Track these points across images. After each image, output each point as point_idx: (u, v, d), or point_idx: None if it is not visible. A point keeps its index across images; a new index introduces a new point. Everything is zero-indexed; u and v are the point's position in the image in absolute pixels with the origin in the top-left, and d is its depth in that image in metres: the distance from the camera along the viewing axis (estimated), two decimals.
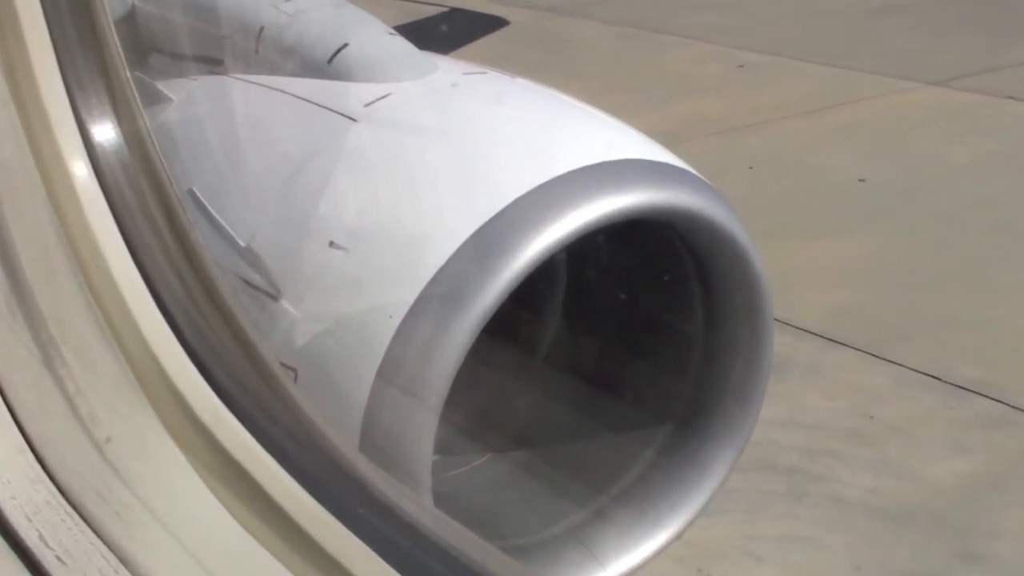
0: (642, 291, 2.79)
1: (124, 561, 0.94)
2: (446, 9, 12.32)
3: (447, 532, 1.03)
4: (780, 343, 5.50)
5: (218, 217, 2.38)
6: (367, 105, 2.42)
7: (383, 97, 2.44)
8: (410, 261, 2.18)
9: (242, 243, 2.34)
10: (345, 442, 1.09)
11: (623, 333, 2.87)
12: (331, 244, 2.24)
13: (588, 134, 2.46)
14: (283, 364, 2.15)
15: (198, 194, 2.42)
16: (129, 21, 2.80)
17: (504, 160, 2.34)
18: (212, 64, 2.81)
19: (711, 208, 2.36)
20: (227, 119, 2.67)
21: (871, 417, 5.13)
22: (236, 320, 1.08)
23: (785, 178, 8.04)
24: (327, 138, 2.42)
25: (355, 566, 0.95)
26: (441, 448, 2.67)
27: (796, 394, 5.31)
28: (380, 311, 2.15)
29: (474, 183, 2.28)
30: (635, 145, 2.44)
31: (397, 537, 0.99)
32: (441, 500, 2.27)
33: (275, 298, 2.28)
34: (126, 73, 1.21)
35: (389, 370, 2.11)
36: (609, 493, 2.71)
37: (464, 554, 0.99)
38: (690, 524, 2.68)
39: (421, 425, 2.11)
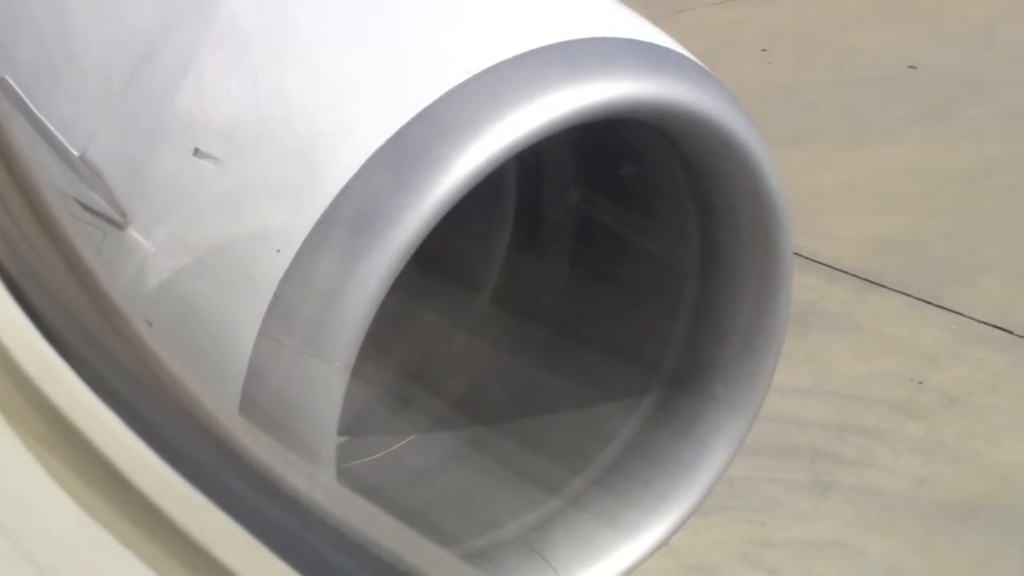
0: (620, 213, 2.84)
1: None
2: None
3: (352, 513, 1.06)
4: (803, 285, 5.60)
5: (41, 116, 2.37)
6: None
7: None
8: (305, 176, 2.19)
9: (74, 152, 2.34)
10: (218, 403, 1.10)
11: (595, 267, 2.93)
12: (196, 153, 2.25)
13: (546, 4, 2.47)
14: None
15: (13, 84, 2.40)
16: None
17: (432, 39, 2.35)
18: None
19: (711, 104, 2.39)
20: None
21: (921, 383, 5.21)
22: (69, 245, 1.09)
23: (811, 65, 8.08)
24: (189, 7, 2.41)
25: (227, 552, 0.98)
26: (351, 425, 2.71)
27: (823, 353, 5.39)
28: (265, 242, 2.16)
29: (391, 70, 2.29)
30: (611, 19, 2.45)
31: (283, 518, 1.01)
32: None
33: (120, 226, 2.28)
34: None
35: (279, 317, 2.13)
36: (574, 485, 2.76)
37: (374, 541, 1.01)
38: (681, 525, 2.75)
39: (323, 385, 2.15)
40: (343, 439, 2.70)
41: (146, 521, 0.99)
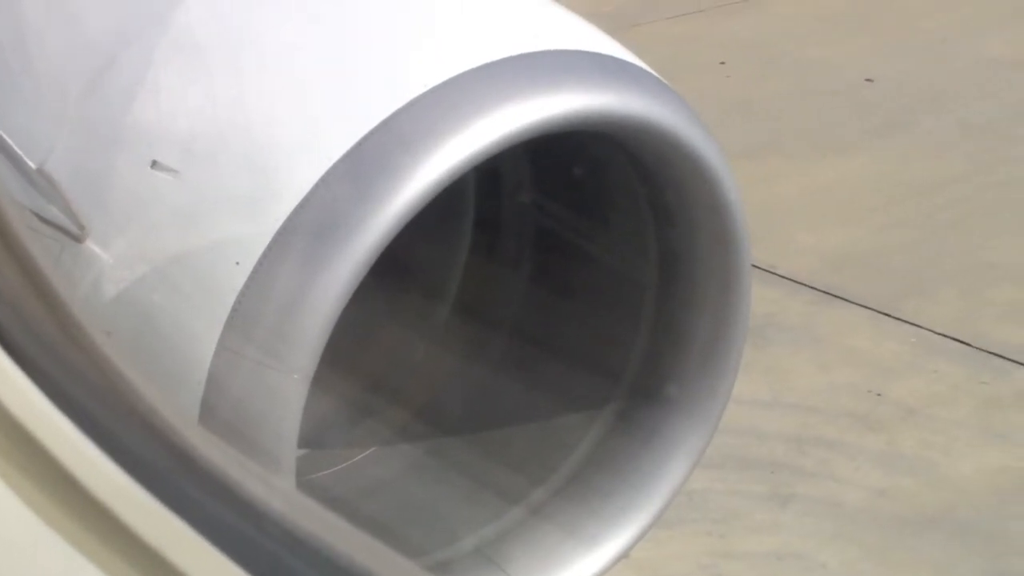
0: (579, 223, 2.87)
1: None
2: None
3: (311, 521, 1.07)
4: (762, 298, 5.62)
5: None
6: None
7: None
8: (263, 187, 2.20)
9: (32, 164, 2.34)
10: (176, 412, 1.11)
11: (555, 277, 2.95)
12: (154, 164, 2.26)
13: (505, 17, 2.49)
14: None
15: None
16: None
17: (392, 50, 2.36)
18: None
19: (668, 116, 2.41)
20: None
21: (879, 395, 5.24)
22: (27, 257, 1.09)
23: (769, 77, 8.13)
24: (148, 17, 2.42)
25: (183, 559, 0.98)
26: (311, 437, 2.71)
27: (782, 365, 5.41)
28: (224, 254, 2.18)
29: (352, 81, 2.31)
30: (569, 32, 2.47)
31: (241, 525, 1.03)
32: None
33: (78, 239, 2.29)
34: None
35: (238, 328, 2.15)
36: (534, 497, 2.78)
37: (333, 548, 1.03)
38: (641, 537, 2.77)
39: (282, 397, 2.16)
40: (303, 451, 2.71)
41: (102, 528, 1.00)
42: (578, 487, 2.79)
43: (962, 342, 5.56)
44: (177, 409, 1.23)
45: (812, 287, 5.97)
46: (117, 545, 1.00)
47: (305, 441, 2.64)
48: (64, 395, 1.03)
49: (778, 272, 6.00)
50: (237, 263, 2.15)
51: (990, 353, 5.49)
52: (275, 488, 1.14)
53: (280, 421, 2.17)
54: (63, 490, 1.00)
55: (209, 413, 2.16)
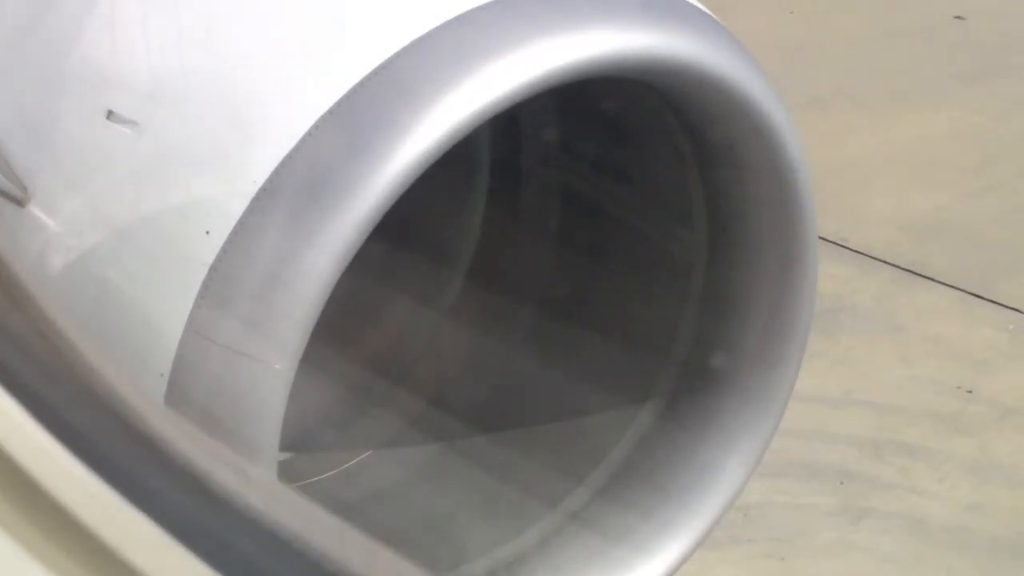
0: (613, 183, 2.87)
1: None
2: None
3: (294, 515, 1.08)
4: (831, 276, 5.60)
5: None
6: None
7: None
8: (239, 142, 2.20)
9: None
10: (139, 394, 1.13)
11: (587, 243, 2.94)
12: (110, 116, 2.26)
13: None
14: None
15: None
16: None
17: None
18: None
19: (721, 62, 2.40)
20: None
21: (969, 392, 5.23)
22: None
23: (840, 16, 8.10)
24: None
25: (145, 559, 0.99)
26: (296, 437, 2.71)
27: (855, 355, 5.40)
28: (192, 222, 2.18)
29: (345, 17, 2.30)
30: None
31: (215, 522, 1.04)
32: None
33: (20, 202, 2.29)
34: None
35: (210, 309, 2.15)
36: (556, 512, 2.80)
37: (316, 546, 1.03)
38: (684, 561, 2.76)
39: (262, 390, 2.16)
40: (286, 455, 2.71)
41: (51, 523, 1.00)
42: (609, 503, 2.80)
43: None
44: (140, 392, 1.23)
45: (891, 263, 5.95)
46: (68, 543, 1.00)
47: (289, 443, 2.64)
48: (10, 376, 1.04)
49: (850, 246, 5.98)
50: (208, 232, 2.14)
51: None
52: (254, 481, 1.16)
53: (259, 419, 2.17)
54: (3, 478, 1.01)
55: (178, 393, 2.17)
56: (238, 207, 2.14)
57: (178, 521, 1.01)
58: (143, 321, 2.21)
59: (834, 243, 5.92)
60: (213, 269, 2.14)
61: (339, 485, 2.90)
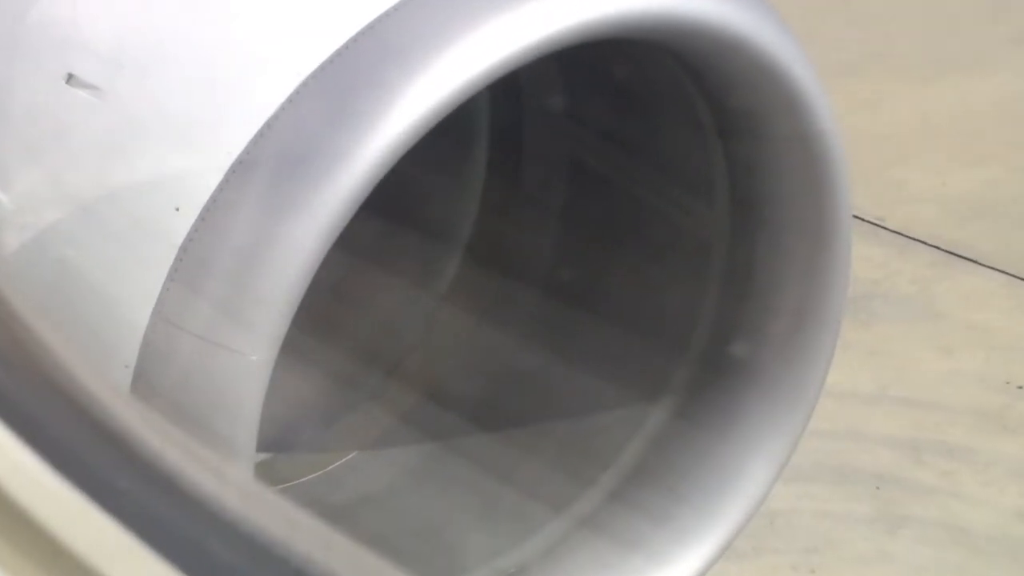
0: (624, 151, 2.86)
1: None
2: None
3: (273, 519, 1.08)
4: (867, 258, 5.59)
5: None
6: None
7: None
8: (213, 108, 2.20)
9: None
10: (103, 384, 1.13)
11: (596, 220, 2.95)
12: (71, 80, 2.25)
13: None
14: None
15: None
16: None
17: None
18: None
19: (744, 22, 2.39)
20: None
21: (1019, 388, 5.23)
22: None
23: None
24: None
25: (112, 565, 1.00)
26: (275, 436, 2.71)
27: (892, 346, 5.39)
28: (160, 197, 2.17)
29: None
30: None
31: (185, 524, 1.04)
32: None
33: None
34: None
35: (180, 294, 2.14)
36: (562, 518, 2.80)
37: (298, 552, 1.04)
38: (702, 573, 2.76)
39: (237, 383, 2.16)
40: (264, 456, 2.71)
41: (10, 527, 1.01)
42: (622, 507, 2.80)
43: None
44: (105, 384, 1.24)
45: (931, 245, 5.94)
46: (28, 547, 1.01)
47: (267, 442, 2.64)
48: None
49: (887, 225, 5.98)
50: (178, 208, 2.14)
51: None
52: (230, 481, 1.16)
53: (236, 404, 2.17)
54: None
55: (143, 395, 2.16)
56: (211, 181, 2.13)
57: (147, 524, 1.02)
58: (106, 307, 2.21)
59: (869, 222, 5.90)
60: (183, 250, 2.14)
61: (323, 488, 2.91)
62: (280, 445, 2.89)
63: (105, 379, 2.06)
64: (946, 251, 5.91)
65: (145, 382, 2.17)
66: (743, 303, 2.74)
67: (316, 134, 2.13)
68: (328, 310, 2.33)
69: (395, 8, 2.18)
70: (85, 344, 2.20)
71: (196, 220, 2.13)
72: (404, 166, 2.17)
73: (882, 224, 5.97)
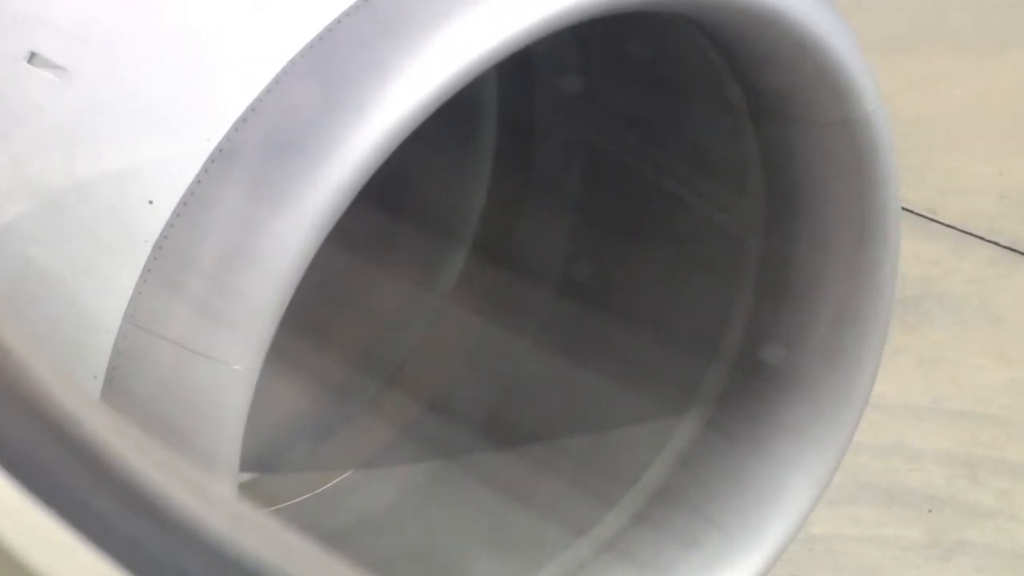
0: (648, 141, 2.86)
1: None
2: None
3: (261, 543, 1.09)
4: (917, 255, 5.60)
5: None
6: None
7: None
8: (190, 90, 2.20)
9: None
10: (74, 395, 1.15)
11: (617, 211, 2.96)
12: (33, 59, 2.25)
13: None
14: None
15: None
16: None
17: None
18: None
19: None
20: None
21: None
22: None
23: None
24: None
25: None
26: (261, 454, 2.71)
27: (946, 353, 5.39)
28: (132, 188, 2.17)
29: None
30: None
31: (165, 548, 1.05)
32: None
33: None
34: None
35: (154, 297, 2.14)
36: (579, 544, 2.80)
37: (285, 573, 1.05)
38: None
39: (217, 395, 2.16)
40: (250, 476, 2.71)
41: None
42: (647, 526, 2.81)
43: None
44: (76, 395, 1.24)
45: (989, 240, 5.95)
46: None
47: (254, 460, 2.65)
48: None
49: (940, 219, 5.98)
50: (151, 201, 2.14)
51: None
52: (212, 499, 1.17)
53: (218, 418, 2.17)
54: None
55: (117, 390, 2.16)
56: (189, 171, 2.13)
57: (124, 548, 1.03)
58: (73, 311, 2.21)
59: (920, 215, 5.90)
60: (158, 247, 2.13)
61: (317, 510, 2.91)
62: (268, 463, 2.90)
63: (75, 391, 2.07)
64: (1005, 247, 5.91)
65: (116, 394, 2.16)
66: (779, 303, 2.74)
67: (305, 118, 2.13)
68: (320, 312, 2.34)
69: None
70: (52, 351, 2.20)
71: (172, 214, 2.13)
72: (403, 153, 2.17)
73: (934, 217, 5.97)
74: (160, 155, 2.17)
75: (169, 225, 2.13)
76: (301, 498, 2.92)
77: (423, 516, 2.92)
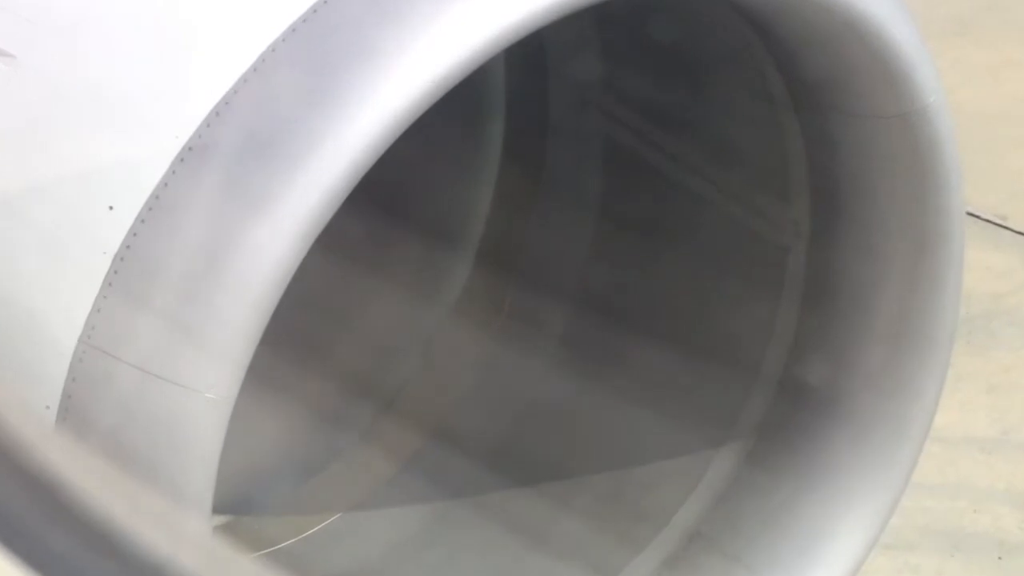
0: (679, 138, 2.86)
1: None
2: None
3: None
4: (986, 267, 5.60)
5: None
6: None
7: None
8: (156, 82, 2.19)
9: None
10: (31, 425, 1.15)
11: (642, 217, 2.96)
12: None
13: None
14: None
15: None
16: None
17: None
18: None
19: None
20: None
21: None
22: None
23: None
24: None
25: None
26: (238, 496, 2.70)
27: (1017, 379, 5.38)
28: (90, 191, 2.16)
29: None
30: None
31: None
32: None
33: None
34: None
35: (113, 316, 2.12)
36: None
37: None
38: None
39: (187, 425, 2.14)
40: (224, 519, 2.70)
41: None
42: (681, 572, 2.80)
43: None
44: (33, 425, 1.23)
45: None
46: None
47: (230, 500, 2.65)
48: None
49: (1011, 226, 5.97)
50: (112, 207, 2.12)
51: None
52: (182, 533, 1.17)
53: (188, 453, 2.15)
54: None
55: (75, 418, 2.15)
56: (154, 172, 2.11)
57: None
58: (23, 331, 2.20)
59: (988, 221, 5.89)
60: (119, 258, 2.12)
61: (302, 556, 2.91)
62: (247, 504, 2.89)
63: (31, 419, 2.06)
64: None
65: (71, 426, 2.15)
66: (826, 320, 2.73)
67: (287, 112, 2.13)
68: (306, 331, 2.32)
69: None
70: (4, 376, 2.19)
71: (135, 221, 2.12)
72: (400, 151, 2.16)
73: (1005, 224, 5.96)
74: (122, 154, 2.16)
75: (132, 233, 2.11)
76: (285, 543, 2.91)
77: (423, 563, 2.91)
